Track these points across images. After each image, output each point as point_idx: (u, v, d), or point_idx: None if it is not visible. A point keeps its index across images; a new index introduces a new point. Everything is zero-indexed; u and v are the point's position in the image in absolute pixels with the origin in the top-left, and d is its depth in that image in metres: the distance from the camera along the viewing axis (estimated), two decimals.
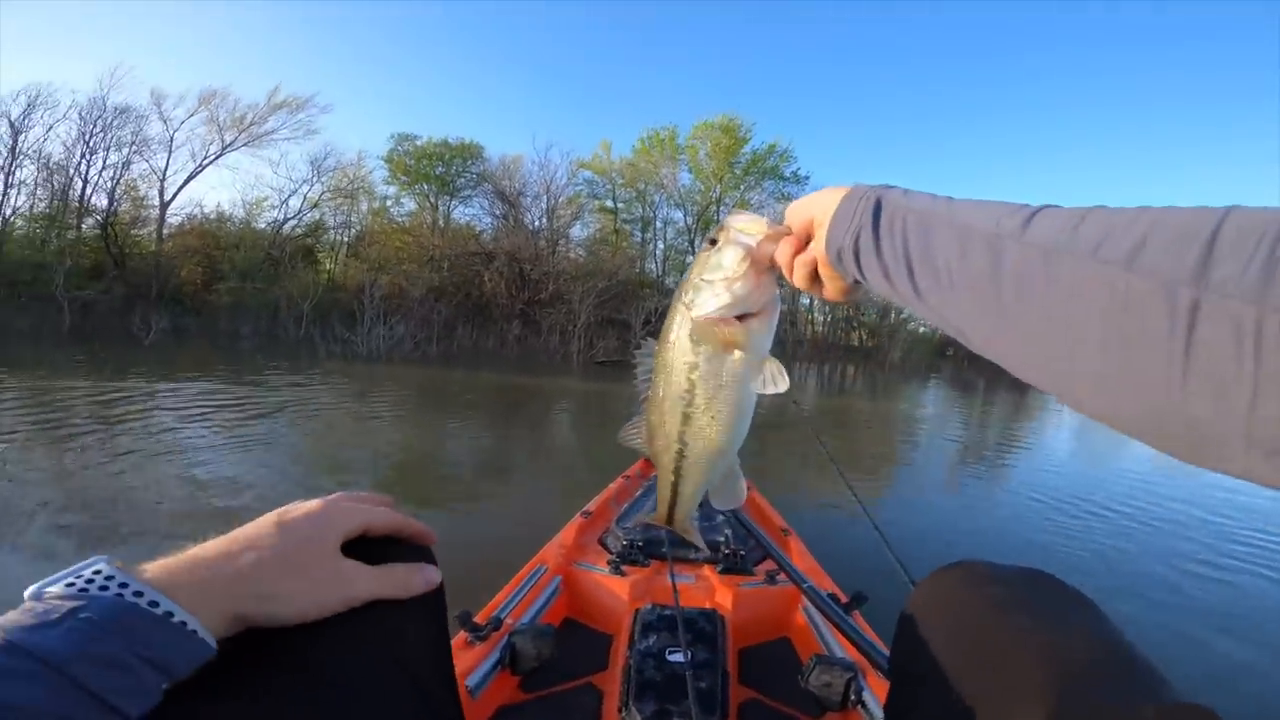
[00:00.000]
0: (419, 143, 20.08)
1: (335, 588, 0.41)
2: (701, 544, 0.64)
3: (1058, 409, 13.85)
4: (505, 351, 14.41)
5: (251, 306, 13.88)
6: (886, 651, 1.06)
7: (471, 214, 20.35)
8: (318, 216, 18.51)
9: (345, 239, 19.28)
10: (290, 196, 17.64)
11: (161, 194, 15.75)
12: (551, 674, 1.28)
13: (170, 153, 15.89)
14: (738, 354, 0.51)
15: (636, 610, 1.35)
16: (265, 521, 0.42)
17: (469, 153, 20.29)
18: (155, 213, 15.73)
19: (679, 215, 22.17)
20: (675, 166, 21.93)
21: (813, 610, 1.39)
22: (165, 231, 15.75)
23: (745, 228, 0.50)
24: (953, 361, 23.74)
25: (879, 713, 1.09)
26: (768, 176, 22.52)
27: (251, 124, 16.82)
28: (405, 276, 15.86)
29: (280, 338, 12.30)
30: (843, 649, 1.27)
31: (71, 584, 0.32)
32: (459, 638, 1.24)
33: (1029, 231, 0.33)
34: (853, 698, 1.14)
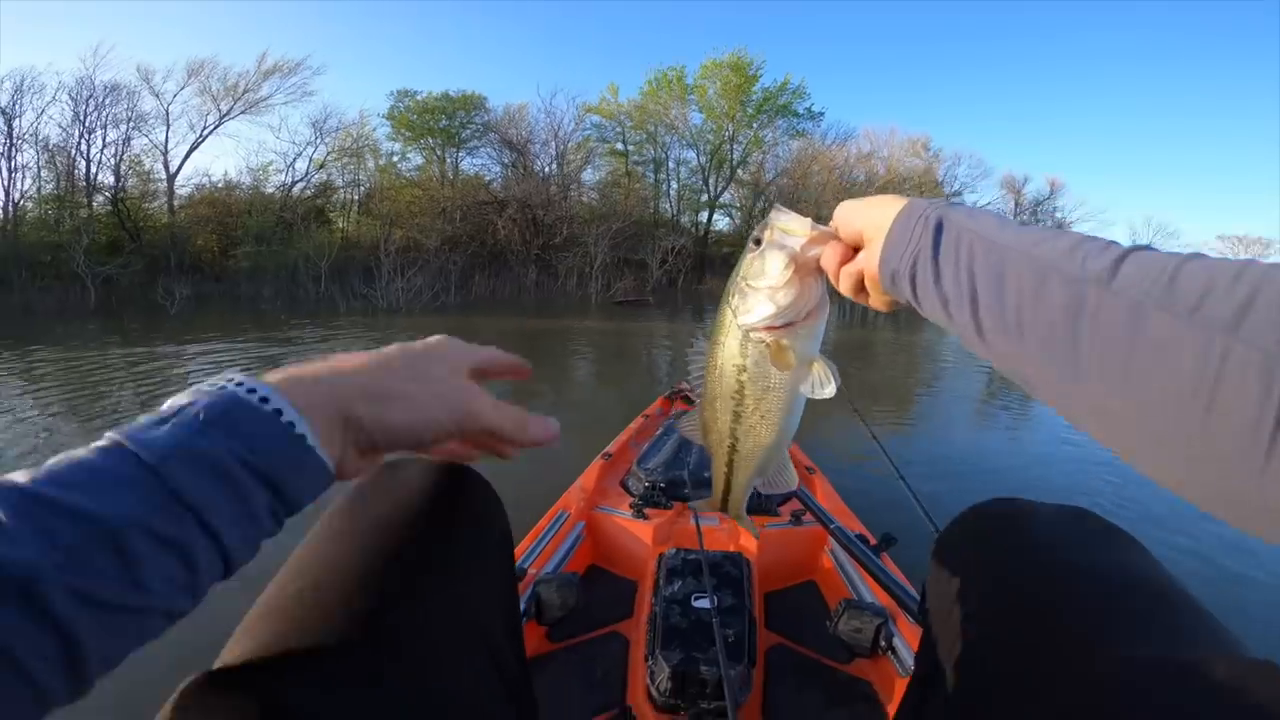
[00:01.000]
0: (419, 97, 19.89)
1: (455, 399, 0.39)
2: (756, 531, 0.67)
3: None
4: (523, 297, 14.57)
5: (270, 269, 14.13)
6: (918, 596, 1.04)
7: (480, 164, 20.33)
8: (325, 177, 18.60)
9: (355, 197, 19.37)
10: (296, 159, 17.74)
11: (166, 167, 15.85)
12: (577, 623, 1.29)
13: (168, 126, 15.90)
14: (786, 355, 0.50)
15: (660, 555, 1.34)
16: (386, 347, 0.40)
17: (472, 104, 20.04)
18: (163, 185, 15.87)
19: (691, 155, 21.60)
20: (685, 107, 21.21)
21: (840, 553, 1.37)
22: (176, 203, 15.92)
23: (789, 228, 0.49)
24: None
25: (910, 659, 1.08)
26: (781, 114, 21.68)
27: (246, 91, 16.73)
28: (419, 229, 15.94)
29: (301, 297, 12.54)
30: (872, 593, 1.26)
31: (198, 390, 0.30)
32: None
33: (1118, 278, 0.29)
34: (883, 644, 1.13)
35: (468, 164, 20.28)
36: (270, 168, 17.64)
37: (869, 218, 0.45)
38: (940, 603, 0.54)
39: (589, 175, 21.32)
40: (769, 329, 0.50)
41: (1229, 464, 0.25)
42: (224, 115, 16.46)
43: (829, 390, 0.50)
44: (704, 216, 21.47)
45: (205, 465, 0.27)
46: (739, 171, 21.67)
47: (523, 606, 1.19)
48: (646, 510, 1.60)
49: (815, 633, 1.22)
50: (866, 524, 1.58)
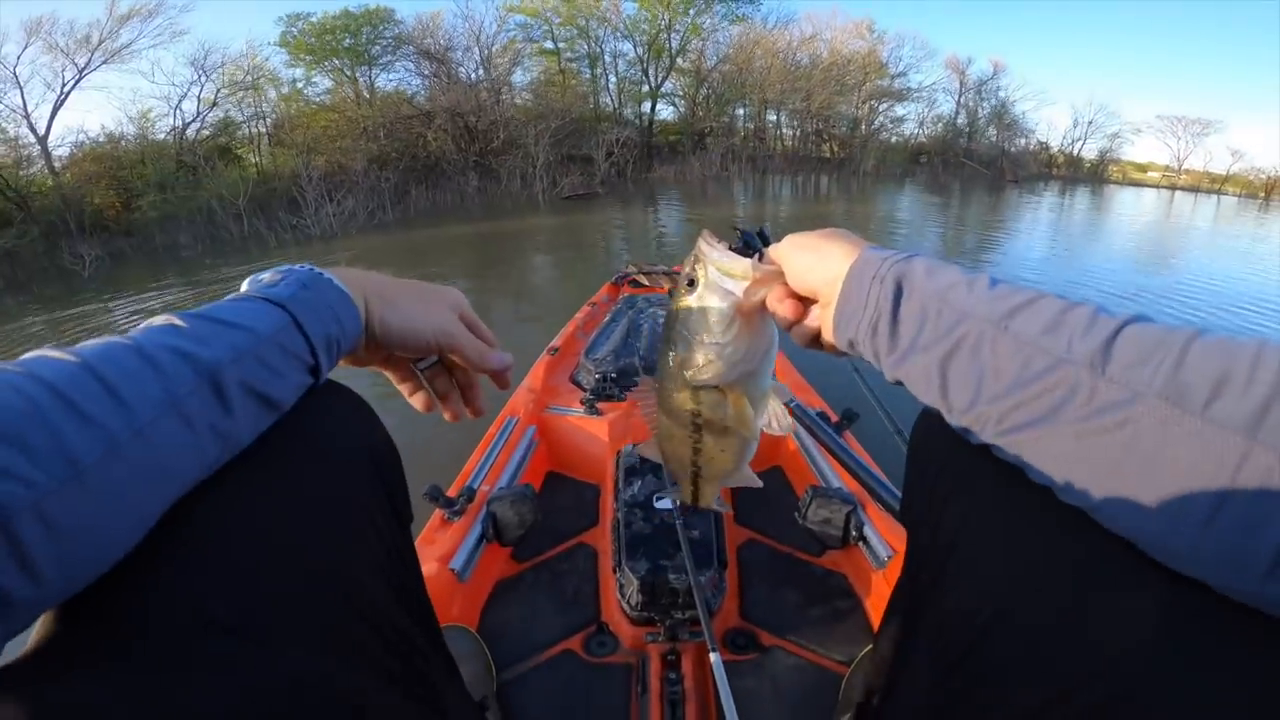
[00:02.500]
0: (314, 19, 18.00)
1: (440, 322, 0.47)
2: (728, 508, 0.64)
3: (1033, 208, 13.93)
4: (467, 204, 14.11)
5: (182, 215, 13.18)
6: (883, 477, 1.00)
7: (397, 79, 18.84)
8: (222, 114, 17.09)
9: (262, 130, 17.78)
10: (182, 101, 16.20)
11: (33, 130, 14.24)
12: (543, 538, 1.21)
13: (21, 89, 14.10)
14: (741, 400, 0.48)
15: (618, 453, 1.24)
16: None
17: (378, 18, 18.26)
18: (37, 150, 14.30)
19: (628, 47, 20.39)
20: None
21: (805, 435, 1.29)
22: (57, 165, 14.56)
23: (727, 269, 0.44)
24: (927, 167, 23.12)
25: (881, 548, 1.03)
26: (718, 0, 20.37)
27: (102, 41, 14.96)
28: (341, 152, 15.11)
29: (224, 238, 11.81)
30: (839, 478, 1.20)
31: (282, 270, 0.43)
32: (434, 517, 1.15)
33: (1112, 363, 0.27)
34: (853, 533, 1.08)
35: (384, 80, 18.79)
36: (152, 114, 16.03)
37: (822, 273, 0.41)
38: (919, 497, 0.46)
39: (520, 77, 20.10)
40: (719, 390, 0.46)
41: (1227, 568, 0.24)
42: (82, 69, 14.78)
43: (786, 427, 0.48)
44: (647, 107, 20.61)
45: (310, 304, 0.40)
46: (679, 60, 20.64)
47: (479, 530, 1.11)
48: (599, 405, 1.49)
49: (786, 523, 1.17)
50: (827, 400, 1.53)
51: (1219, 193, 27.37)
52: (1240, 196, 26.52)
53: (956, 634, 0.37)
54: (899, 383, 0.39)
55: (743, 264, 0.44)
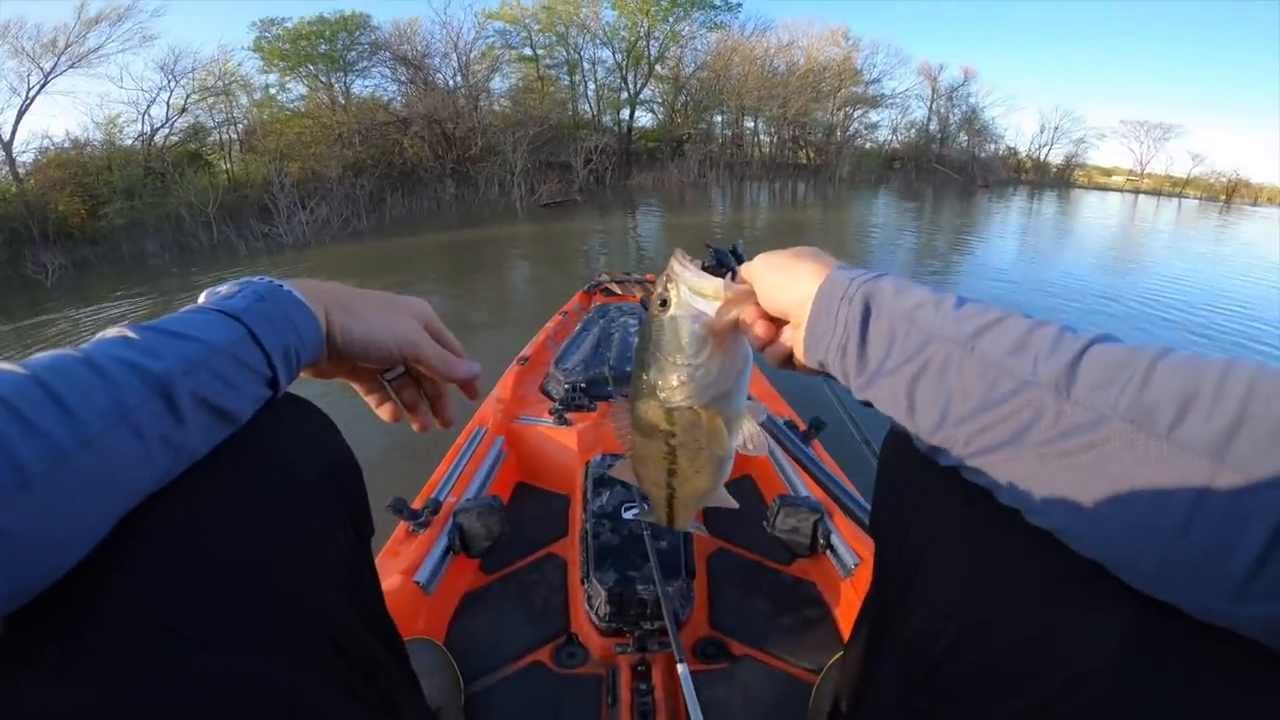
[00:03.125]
0: (289, 25, 17.76)
1: (403, 332, 0.47)
2: (704, 531, 0.64)
3: (1003, 212, 14.29)
4: (443, 212, 14.10)
5: (149, 223, 12.86)
6: (849, 487, 1.00)
7: (374, 85, 18.64)
8: (191, 120, 16.81)
9: (234, 136, 17.49)
10: (150, 106, 15.89)
11: None
12: (511, 549, 1.19)
13: None
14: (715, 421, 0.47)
15: (587, 463, 1.23)
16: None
17: (353, 24, 18.04)
18: (1, 155, 13.84)
19: (607, 54, 20.52)
20: (596, 4, 19.80)
21: (772, 444, 1.30)
22: (21, 171, 14.16)
23: (699, 289, 0.44)
24: (901, 173, 23.59)
25: (849, 556, 1.03)
26: (696, 6, 20.67)
27: (69, 45, 14.62)
28: (315, 159, 14.95)
29: (193, 247, 11.57)
30: (806, 486, 1.20)
31: (240, 282, 0.42)
32: (399, 529, 1.13)
33: (1077, 385, 0.27)
34: (821, 542, 1.08)
35: (360, 87, 18.54)
36: (119, 119, 15.67)
37: (792, 294, 0.41)
38: (886, 512, 0.46)
39: (498, 83, 20.05)
40: (693, 412, 0.46)
41: (1196, 590, 0.24)
42: (49, 74, 14.44)
43: (761, 447, 0.48)
44: (626, 114, 20.67)
45: (266, 316, 0.39)
46: (657, 67, 20.80)
47: (445, 541, 1.09)
48: (568, 415, 1.47)
49: (755, 533, 1.17)
50: (795, 408, 1.53)
51: (1180, 196, 28.28)
52: (1201, 199, 27.46)
53: (922, 653, 0.37)
54: (868, 403, 0.38)
55: (714, 284, 0.43)
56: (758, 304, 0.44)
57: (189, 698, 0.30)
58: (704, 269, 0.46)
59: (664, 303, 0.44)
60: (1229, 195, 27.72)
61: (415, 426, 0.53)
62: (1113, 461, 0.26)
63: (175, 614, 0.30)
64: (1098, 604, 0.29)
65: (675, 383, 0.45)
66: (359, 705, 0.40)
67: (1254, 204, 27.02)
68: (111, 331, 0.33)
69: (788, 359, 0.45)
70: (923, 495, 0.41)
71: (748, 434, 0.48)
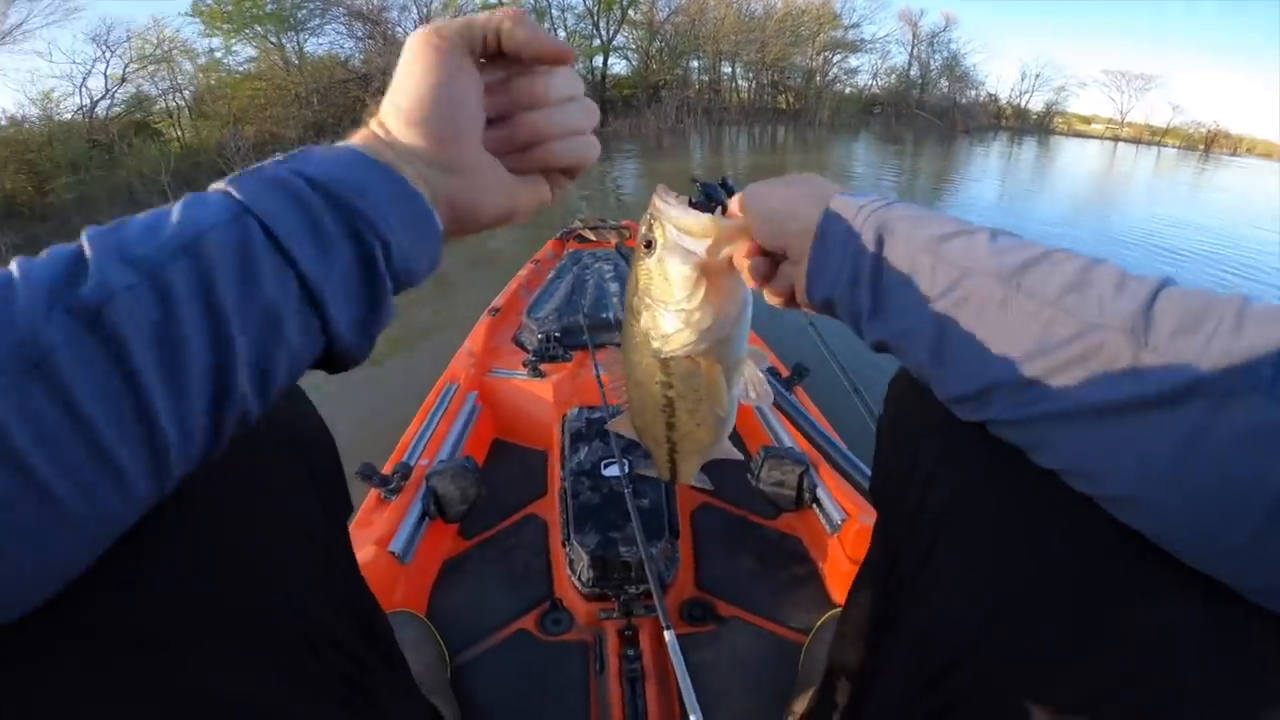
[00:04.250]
0: None
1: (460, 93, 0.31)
2: (711, 487, 0.60)
3: (983, 156, 14.26)
4: None
5: (101, 195, 12.48)
6: (835, 437, 0.97)
7: (329, 43, 17.77)
8: (133, 90, 16.17)
9: (181, 102, 16.79)
10: (86, 79, 15.30)
11: None
12: (489, 512, 1.14)
13: None
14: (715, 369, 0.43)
15: (564, 417, 1.18)
16: None
17: None
18: None
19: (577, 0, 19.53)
20: None
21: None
22: None
23: (687, 227, 0.39)
24: (881, 118, 23.23)
25: (835, 511, 0.99)
26: None
27: None
28: (272, 121, 14.59)
29: None
30: (790, 436, 1.16)
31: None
32: (369, 497, 1.07)
33: (1154, 330, 0.24)
34: (807, 495, 1.05)
35: (314, 45, 17.64)
36: (55, 94, 15.00)
37: (791, 226, 0.37)
38: (899, 488, 0.41)
39: None
40: (690, 359, 0.42)
41: None
42: None
43: (765, 395, 0.44)
44: (599, 61, 19.95)
45: (276, 182, 0.26)
46: (630, 12, 19.99)
47: (420, 508, 1.04)
48: (543, 366, 1.41)
49: (739, 486, 1.13)
50: (777, 354, 1.49)
51: (1159, 144, 28.53)
52: (1179, 149, 27.68)
53: (944, 639, 0.33)
54: (881, 347, 0.34)
55: (703, 220, 0.39)
56: (753, 239, 0.40)
57: (150, 710, 0.26)
58: (692, 204, 0.41)
59: (649, 244, 0.40)
60: (1208, 145, 27.96)
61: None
62: (1196, 420, 0.22)
63: (138, 621, 0.26)
64: (1157, 585, 0.25)
65: (669, 330, 0.41)
66: (340, 709, 0.36)
67: (1233, 154, 27.30)
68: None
69: (789, 298, 0.41)
70: (939, 460, 0.36)
71: (750, 381, 0.44)
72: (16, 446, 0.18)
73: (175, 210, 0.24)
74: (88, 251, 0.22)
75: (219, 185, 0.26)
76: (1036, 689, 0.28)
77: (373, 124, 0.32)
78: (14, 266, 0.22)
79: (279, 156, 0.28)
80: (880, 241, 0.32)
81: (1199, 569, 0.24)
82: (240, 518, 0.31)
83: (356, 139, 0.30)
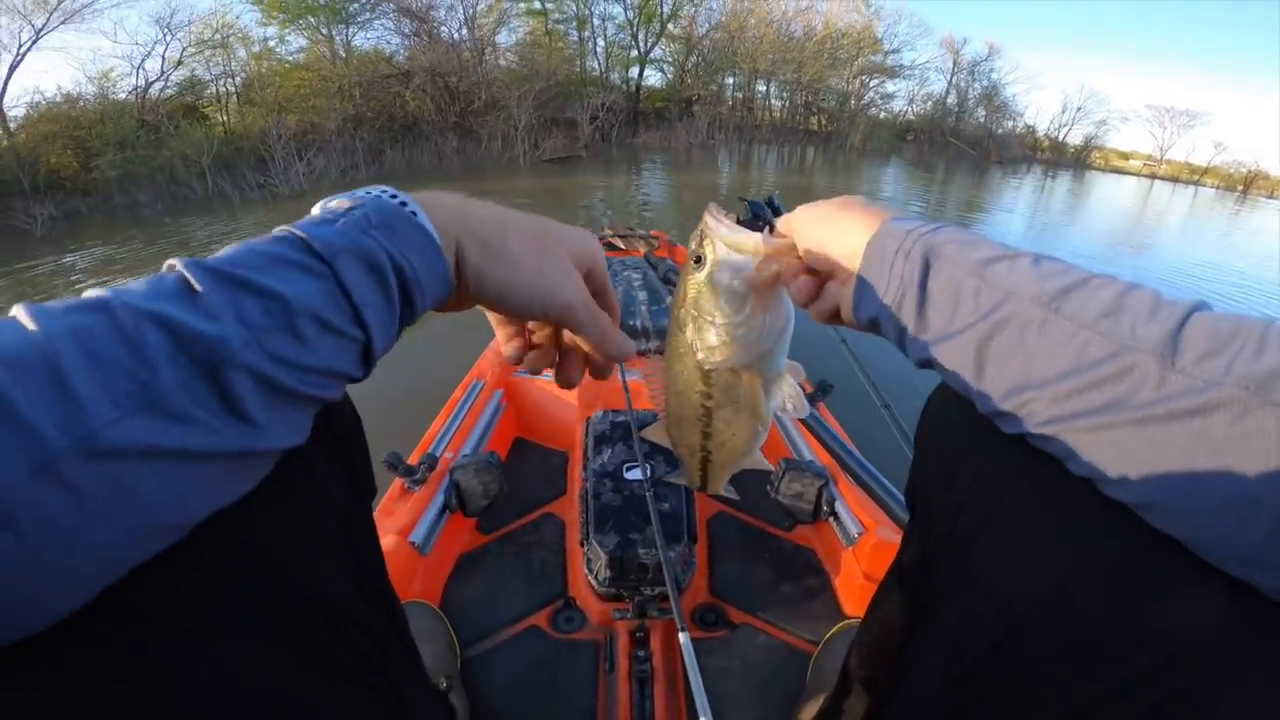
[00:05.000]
0: None
1: (556, 284, 0.37)
2: (736, 498, 0.61)
3: (1015, 188, 14.10)
4: (444, 165, 14.04)
5: (143, 174, 12.79)
6: (856, 451, 0.98)
7: (376, 37, 18.05)
8: (188, 73, 16.45)
9: (231, 89, 17.05)
10: (145, 60, 15.54)
11: None
12: (508, 508, 1.16)
13: None
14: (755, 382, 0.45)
15: (587, 420, 1.19)
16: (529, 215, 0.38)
17: None
18: None
19: (618, 10, 19.82)
20: None
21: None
22: (11, 125, 14.02)
23: (736, 244, 0.41)
24: (913, 145, 23.06)
25: (852, 525, 1.00)
26: None
27: (61, 2, 14.19)
28: (315, 111, 14.71)
29: (187, 197, 11.54)
30: (811, 450, 1.17)
31: (355, 195, 0.33)
32: (393, 486, 1.10)
33: (1182, 353, 0.26)
34: (825, 508, 1.05)
35: (361, 39, 17.94)
36: (113, 74, 15.30)
37: (838, 247, 0.38)
38: (938, 496, 0.42)
39: (505, 37, 19.43)
40: (733, 372, 0.43)
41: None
42: (40, 30, 14.08)
43: (802, 409, 0.46)
44: (635, 72, 20.16)
45: (370, 263, 0.29)
46: (670, 26, 20.15)
47: (442, 500, 1.06)
48: None
49: (757, 497, 1.14)
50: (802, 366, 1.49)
51: (1197, 184, 27.89)
52: (1218, 189, 27.05)
53: (978, 635, 0.35)
54: (926, 365, 0.36)
55: (753, 238, 0.41)
56: (799, 258, 0.41)
57: (175, 692, 0.26)
58: (739, 222, 0.43)
59: (699, 259, 0.42)
60: (1246, 186, 27.29)
61: (558, 382, 0.45)
62: (1219, 431, 0.24)
63: (156, 600, 0.26)
64: (1188, 585, 0.26)
65: (714, 342, 0.42)
66: (358, 688, 0.37)
67: (1270, 196, 26.61)
68: (173, 270, 0.26)
69: (833, 315, 0.42)
70: (980, 466, 0.37)
71: (788, 394, 0.46)
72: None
73: (283, 276, 0.27)
74: (208, 299, 0.25)
75: (313, 242, 0.29)
76: (1065, 686, 0.29)
77: (455, 210, 0.35)
78: (124, 298, 0.24)
79: (369, 213, 0.31)
80: (927, 265, 0.34)
81: (1226, 571, 0.25)
82: (268, 481, 0.30)
83: (435, 209, 0.33)
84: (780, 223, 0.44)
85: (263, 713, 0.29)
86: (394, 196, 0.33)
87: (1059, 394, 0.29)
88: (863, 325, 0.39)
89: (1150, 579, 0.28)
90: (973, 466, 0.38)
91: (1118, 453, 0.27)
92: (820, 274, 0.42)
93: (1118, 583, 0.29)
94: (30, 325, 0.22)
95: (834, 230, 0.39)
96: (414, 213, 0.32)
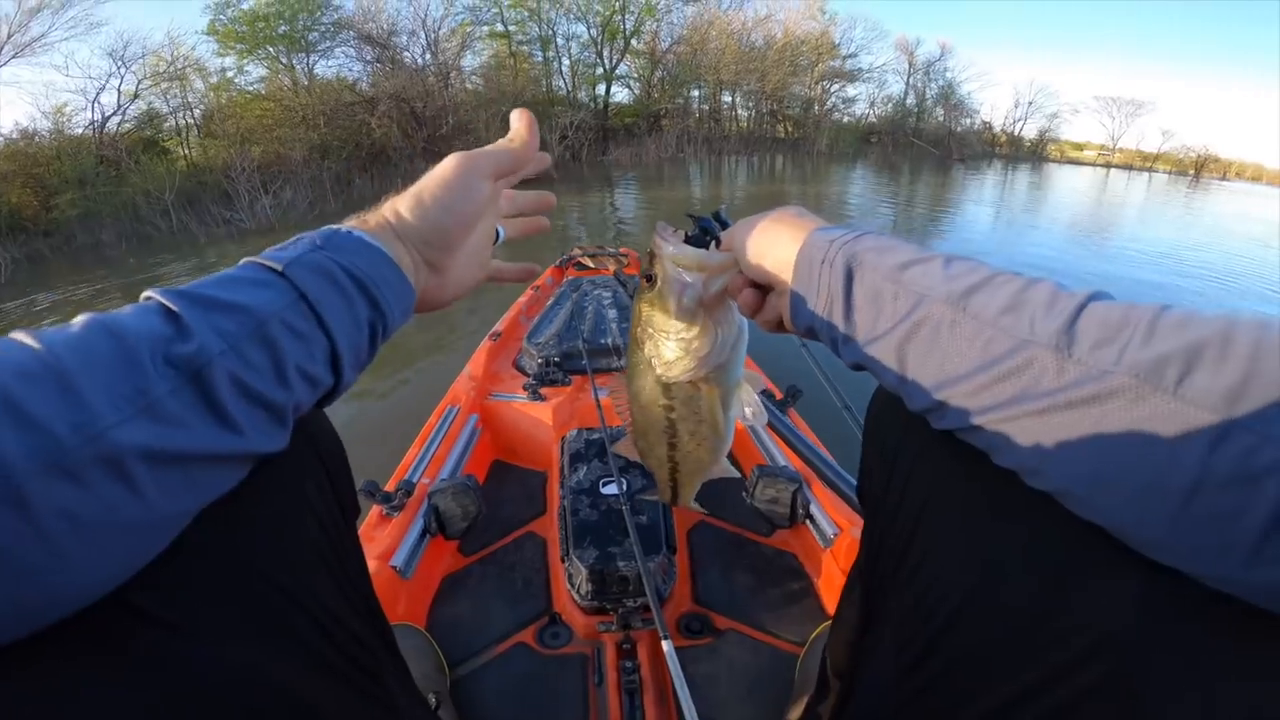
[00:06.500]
0: (245, 6, 17.02)
1: (471, 189, 0.42)
2: (703, 512, 0.62)
3: (978, 185, 14.51)
4: None
5: (105, 212, 12.44)
6: (827, 455, 1.00)
7: (338, 65, 18.08)
8: (144, 106, 16.23)
9: (190, 121, 16.93)
10: (100, 94, 15.32)
11: None
12: (489, 529, 1.16)
13: None
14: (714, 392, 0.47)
15: (563, 438, 1.21)
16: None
17: (314, 3, 17.37)
18: None
19: (581, 29, 20.06)
20: None
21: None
22: None
23: (681, 261, 0.43)
24: (878, 147, 23.61)
25: (828, 526, 1.02)
26: None
27: (11, 36, 14.00)
28: (279, 141, 14.53)
29: (151, 235, 11.24)
30: (784, 456, 1.19)
31: (299, 236, 0.37)
32: (371, 513, 1.09)
33: (1077, 344, 0.27)
34: (801, 511, 1.07)
35: (323, 68, 17.93)
36: (67, 108, 15.06)
37: (772, 260, 0.40)
38: (881, 490, 0.44)
39: (470, 61, 19.49)
40: (691, 384, 0.46)
41: (1205, 555, 0.23)
42: None
43: (760, 416, 0.49)
44: (602, 90, 20.37)
45: (321, 270, 0.34)
46: (633, 42, 20.43)
47: (421, 524, 1.06)
48: (543, 390, 1.45)
49: (735, 504, 1.16)
50: (772, 376, 1.52)
51: (1150, 170, 28.88)
52: (1170, 174, 28.06)
53: (921, 624, 0.36)
54: (859, 367, 0.37)
55: (696, 255, 0.43)
56: (741, 272, 0.43)
57: (172, 689, 0.27)
58: (687, 238, 0.46)
59: (650, 279, 0.44)
60: (1198, 170, 28.35)
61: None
62: (1117, 419, 0.25)
63: (152, 599, 0.27)
64: (1108, 569, 0.27)
65: (670, 357, 0.44)
66: (351, 691, 0.38)
67: (1222, 178, 27.68)
68: (150, 299, 0.29)
69: (778, 325, 0.44)
70: (916, 461, 0.39)
71: (747, 402, 0.48)
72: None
73: (247, 293, 0.31)
74: (184, 317, 0.28)
75: (269, 262, 0.34)
76: (1000, 674, 0.30)
77: (386, 211, 0.41)
78: (115, 320, 0.27)
79: (315, 238, 0.37)
80: (849, 273, 0.35)
81: (1144, 554, 0.26)
82: (254, 494, 0.33)
83: (371, 225, 0.40)
84: (724, 237, 0.46)
85: (260, 710, 0.30)
86: (335, 228, 0.38)
87: (972, 389, 0.30)
88: (801, 333, 0.41)
89: (1072, 567, 0.29)
90: (908, 462, 0.39)
91: (1030, 443, 0.28)
92: (763, 286, 0.43)
93: (1041, 572, 0.30)
94: (32, 342, 0.24)
95: (769, 243, 0.40)
96: (349, 231, 0.37)
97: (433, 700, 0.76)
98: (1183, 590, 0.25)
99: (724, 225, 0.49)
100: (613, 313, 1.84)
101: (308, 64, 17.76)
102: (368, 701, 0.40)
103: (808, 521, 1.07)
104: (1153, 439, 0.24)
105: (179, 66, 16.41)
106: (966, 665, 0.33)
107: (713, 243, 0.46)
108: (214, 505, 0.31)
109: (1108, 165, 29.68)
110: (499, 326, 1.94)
